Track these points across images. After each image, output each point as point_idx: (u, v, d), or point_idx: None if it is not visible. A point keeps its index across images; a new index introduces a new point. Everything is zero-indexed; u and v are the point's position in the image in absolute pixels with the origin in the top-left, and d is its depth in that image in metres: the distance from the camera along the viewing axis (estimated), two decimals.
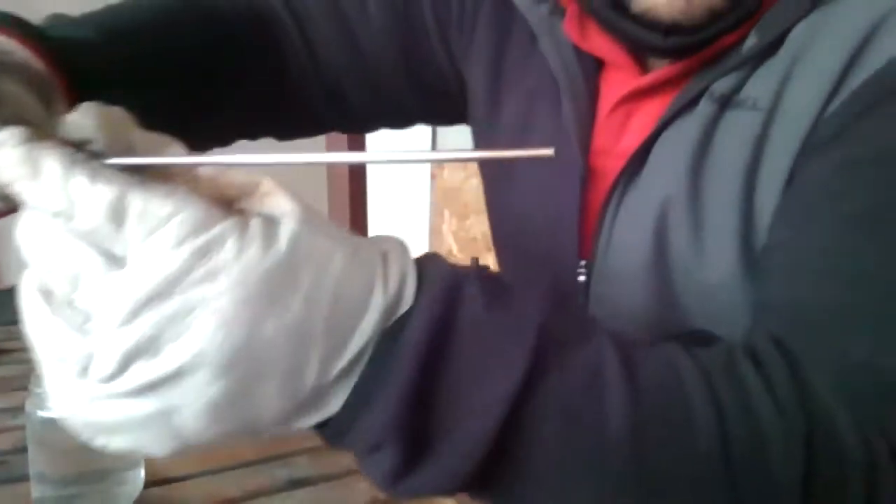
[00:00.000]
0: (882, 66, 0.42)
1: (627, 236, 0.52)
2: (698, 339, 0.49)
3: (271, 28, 0.61)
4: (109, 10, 0.53)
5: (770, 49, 0.46)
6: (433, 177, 1.92)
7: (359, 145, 2.01)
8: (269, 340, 0.25)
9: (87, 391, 0.25)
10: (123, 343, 0.24)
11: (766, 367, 0.34)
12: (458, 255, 1.85)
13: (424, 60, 0.64)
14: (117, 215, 0.24)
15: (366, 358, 0.27)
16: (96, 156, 0.26)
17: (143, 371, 0.24)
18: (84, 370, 0.24)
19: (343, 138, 1.96)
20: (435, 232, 1.95)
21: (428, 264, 0.30)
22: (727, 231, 0.47)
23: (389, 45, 0.63)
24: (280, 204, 0.27)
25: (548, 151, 0.24)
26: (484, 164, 0.68)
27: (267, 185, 0.28)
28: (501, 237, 0.68)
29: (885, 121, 0.41)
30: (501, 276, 0.32)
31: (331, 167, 2.09)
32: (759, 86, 0.46)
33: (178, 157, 0.28)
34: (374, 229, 2.07)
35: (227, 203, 0.27)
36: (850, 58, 0.43)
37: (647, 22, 0.47)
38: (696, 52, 0.48)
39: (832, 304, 0.38)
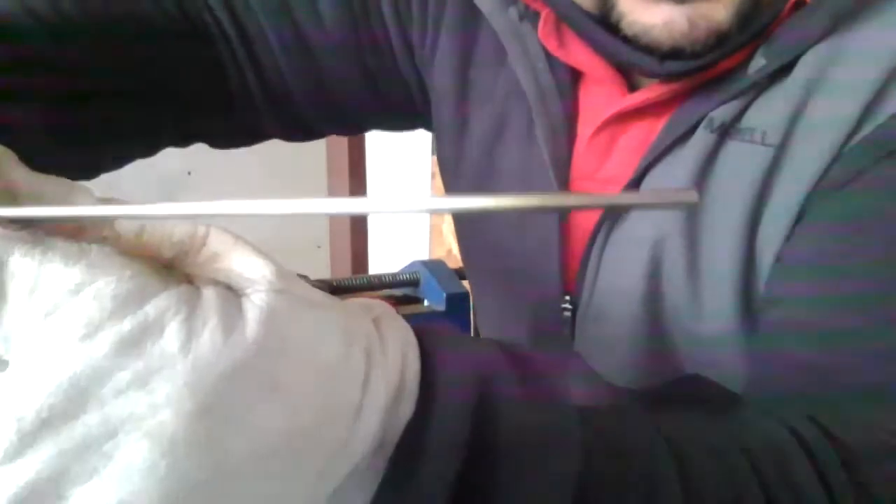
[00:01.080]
0: None
1: (617, 278, 0.48)
2: (700, 392, 0.47)
3: (204, 30, 0.53)
4: None
5: (778, 73, 0.41)
6: (433, 176, 1.92)
7: (358, 145, 2.02)
8: (233, 469, 0.17)
9: None
10: (4, 489, 0.16)
11: (825, 471, 0.31)
12: (458, 255, 1.86)
13: (385, 66, 0.57)
14: None
15: (364, 475, 0.21)
16: None
17: None
18: None
19: (342, 143, 1.96)
20: (435, 231, 1.95)
21: (435, 342, 0.23)
22: (725, 278, 0.43)
23: (345, 51, 0.56)
24: (243, 266, 0.19)
25: (690, 195, 0.16)
26: (449, 180, 0.61)
27: (218, 239, 0.20)
28: (474, 263, 0.63)
29: None
30: (519, 348, 0.27)
31: (331, 164, 2.09)
32: (766, 115, 0.41)
33: (87, 206, 0.19)
34: (374, 229, 2.08)
35: (162, 269, 0.19)
36: (877, 90, 0.38)
37: (641, 45, 0.41)
38: (695, 72, 0.43)
39: (864, 377, 0.35)
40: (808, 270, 0.39)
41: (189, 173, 1.74)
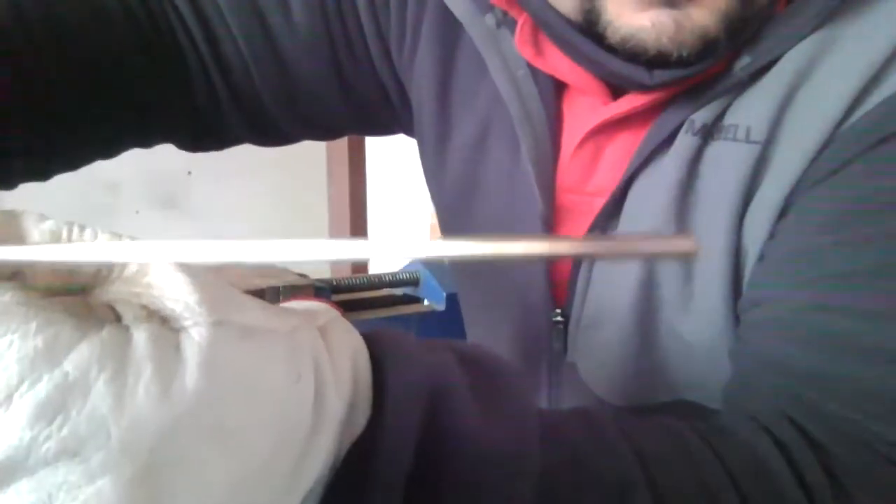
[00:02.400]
0: (891, 95, 0.37)
1: (609, 288, 0.47)
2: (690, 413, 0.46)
3: (168, 28, 0.51)
4: None
5: (761, 69, 0.40)
6: None
7: (359, 141, 2.02)
8: None
9: None
10: None
11: (804, 474, 0.30)
12: None
13: (361, 72, 0.55)
14: None
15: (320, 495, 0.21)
16: None
17: None
18: None
19: (343, 143, 1.96)
20: (435, 231, 1.95)
21: (385, 350, 0.23)
22: (715, 282, 0.42)
23: (319, 56, 0.53)
24: (177, 291, 0.17)
25: (687, 242, 0.15)
26: (433, 188, 0.59)
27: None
28: (461, 277, 0.61)
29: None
30: (481, 355, 0.26)
31: (331, 168, 2.09)
32: (751, 112, 0.40)
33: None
34: (374, 229, 2.08)
35: (80, 300, 0.17)
36: (865, 81, 0.37)
37: (626, 52, 0.39)
38: (683, 80, 0.42)
39: (849, 378, 0.34)
40: (789, 267, 0.38)
41: (189, 173, 1.74)
